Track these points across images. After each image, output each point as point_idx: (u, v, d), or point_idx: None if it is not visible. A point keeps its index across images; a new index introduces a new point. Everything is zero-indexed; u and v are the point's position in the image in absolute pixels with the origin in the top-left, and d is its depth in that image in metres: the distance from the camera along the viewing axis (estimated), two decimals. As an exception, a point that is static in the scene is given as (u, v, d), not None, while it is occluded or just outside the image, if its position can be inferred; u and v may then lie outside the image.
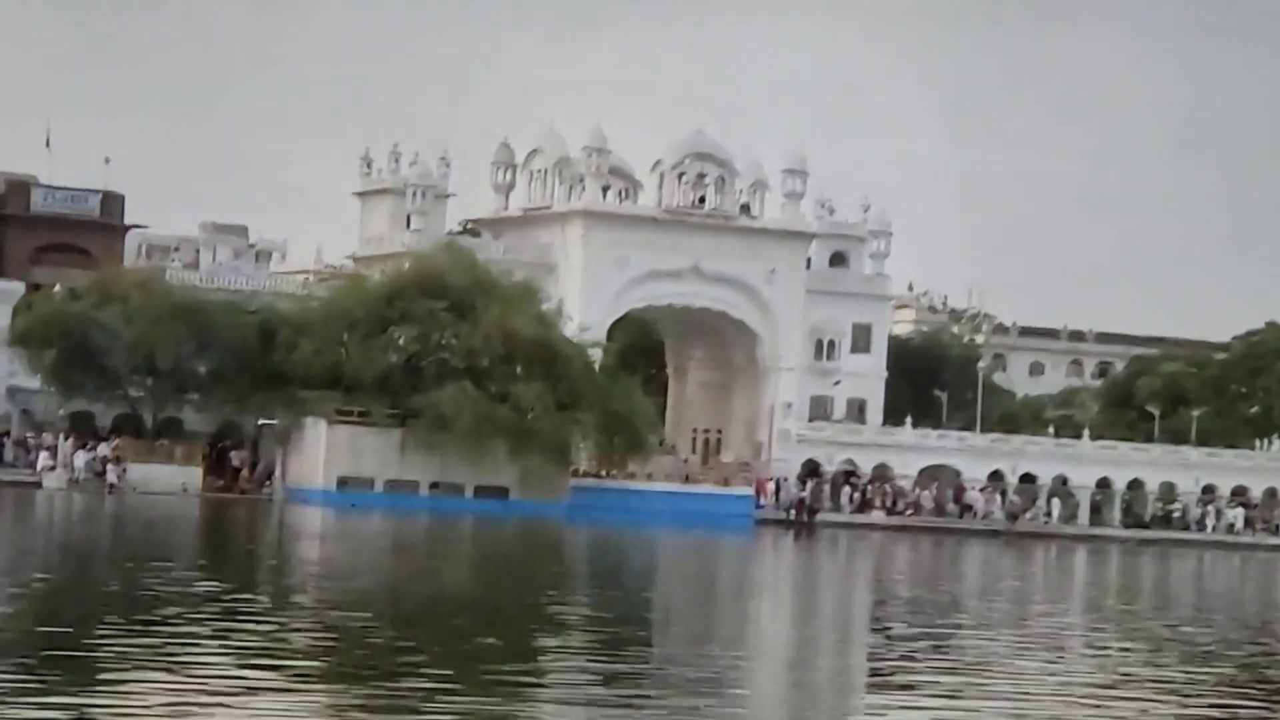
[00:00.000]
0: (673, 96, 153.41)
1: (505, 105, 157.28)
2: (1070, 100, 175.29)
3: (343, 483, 76.88)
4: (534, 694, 19.39)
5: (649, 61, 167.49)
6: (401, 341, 79.42)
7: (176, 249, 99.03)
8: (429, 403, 76.49)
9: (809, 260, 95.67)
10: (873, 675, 23.76)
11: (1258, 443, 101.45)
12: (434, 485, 77.50)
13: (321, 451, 77.00)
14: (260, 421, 79.82)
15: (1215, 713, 20.96)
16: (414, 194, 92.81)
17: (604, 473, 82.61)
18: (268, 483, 78.44)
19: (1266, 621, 39.97)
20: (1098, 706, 20.73)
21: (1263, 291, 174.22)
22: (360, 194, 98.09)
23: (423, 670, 20.42)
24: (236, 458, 79.54)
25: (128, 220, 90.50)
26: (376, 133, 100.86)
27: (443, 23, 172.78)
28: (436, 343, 79.26)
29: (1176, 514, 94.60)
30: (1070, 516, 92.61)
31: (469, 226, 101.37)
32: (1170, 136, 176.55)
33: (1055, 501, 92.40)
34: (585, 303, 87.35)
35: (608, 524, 68.61)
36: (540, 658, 23.26)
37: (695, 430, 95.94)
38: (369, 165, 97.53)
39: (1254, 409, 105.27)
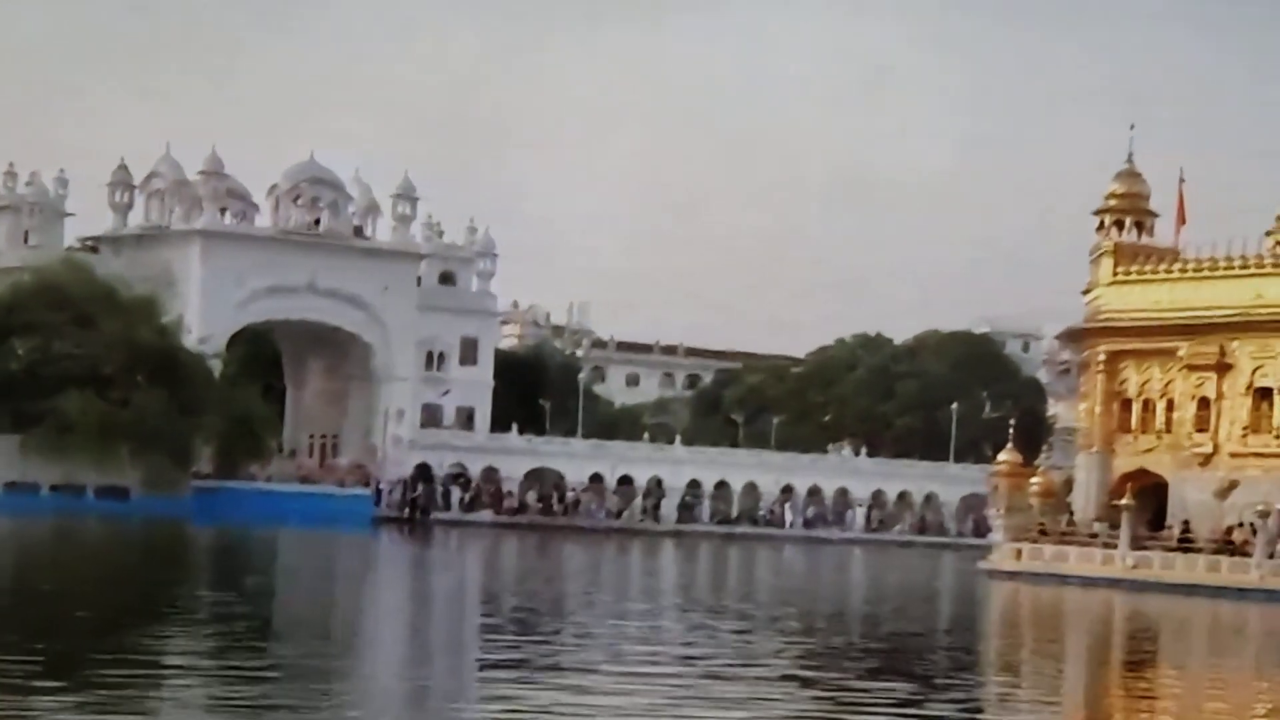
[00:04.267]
0: (287, 122, 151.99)
1: (124, 127, 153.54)
2: (671, 122, 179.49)
3: (-41, 485, 74.50)
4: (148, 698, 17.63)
5: (264, 86, 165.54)
6: (21, 351, 77.76)
7: None
8: (51, 408, 74.96)
9: (419, 278, 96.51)
10: (481, 665, 23.15)
11: (830, 447, 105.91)
12: (54, 487, 75.64)
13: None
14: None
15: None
16: (30, 211, 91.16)
17: (225, 474, 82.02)
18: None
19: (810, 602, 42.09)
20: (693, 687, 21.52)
21: (835, 314, 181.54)
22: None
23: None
24: None
25: None
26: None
27: (64, 49, 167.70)
28: (58, 352, 77.70)
29: (761, 512, 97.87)
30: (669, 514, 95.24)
31: (87, 244, 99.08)
32: (726, 177, 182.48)
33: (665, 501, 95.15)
34: (205, 317, 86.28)
35: (229, 522, 68.01)
36: (156, 655, 21.60)
37: (313, 435, 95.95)
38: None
39: (827, 417, 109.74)
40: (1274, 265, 56.25)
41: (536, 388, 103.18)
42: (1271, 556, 51.19)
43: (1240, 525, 53.67)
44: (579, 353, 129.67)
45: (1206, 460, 56.44)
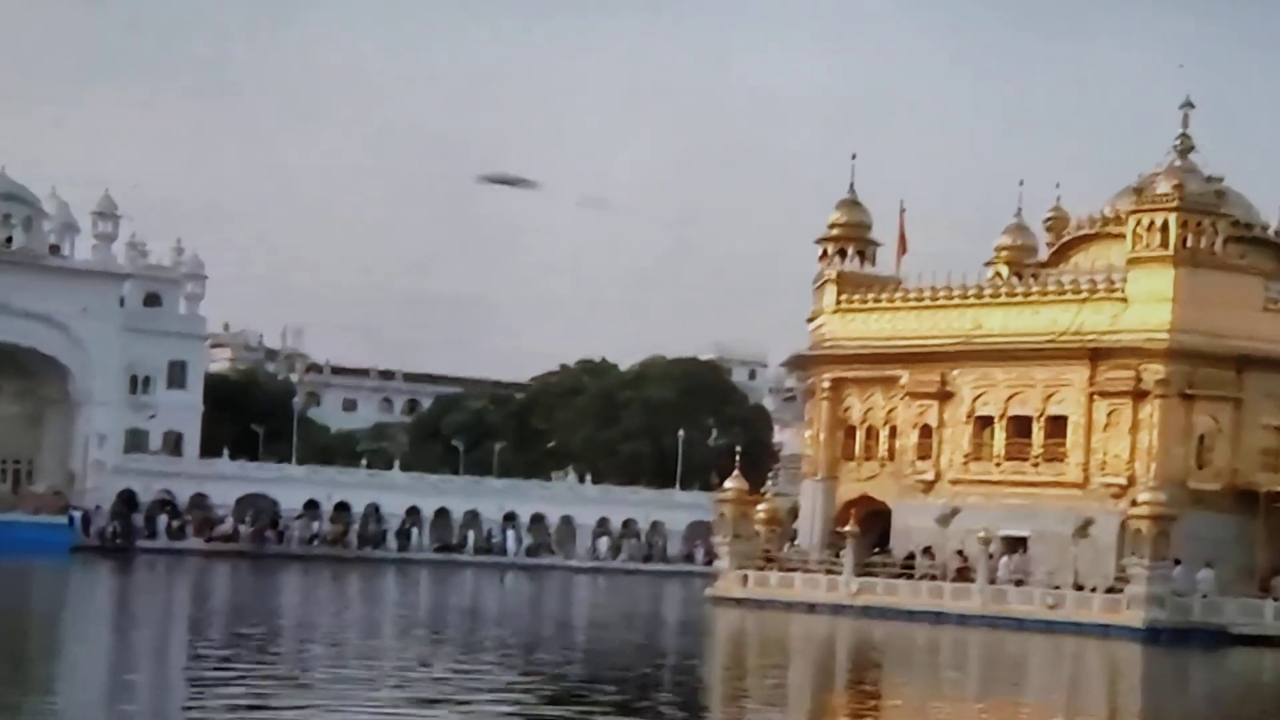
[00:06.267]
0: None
1: None
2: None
3: None
4: None
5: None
6: None
7: None
8: None
9: (123, 299, 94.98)
10: (186, 707, 22.98)
11: (555, 473, 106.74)
12: None
13: None
14: None
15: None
16: None
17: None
18: None
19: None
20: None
21: (555, 337, 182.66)
22: None
23: None
24: None
25: None
26: None
27: None
28: None
29: (483, 539, 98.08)
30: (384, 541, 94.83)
31: None
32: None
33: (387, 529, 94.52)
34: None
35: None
36: None
37: (5, 461, 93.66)
38: None
39: (551, 443, 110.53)
40: (993, 295, 58.56)
41: (249, 412, 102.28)
42: (993, 582, 53.24)
43: (959, 553, 55.66)
44: (294, 377, 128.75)
45: (929, 487, 58.41)
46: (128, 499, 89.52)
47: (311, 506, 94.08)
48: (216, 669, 26.41)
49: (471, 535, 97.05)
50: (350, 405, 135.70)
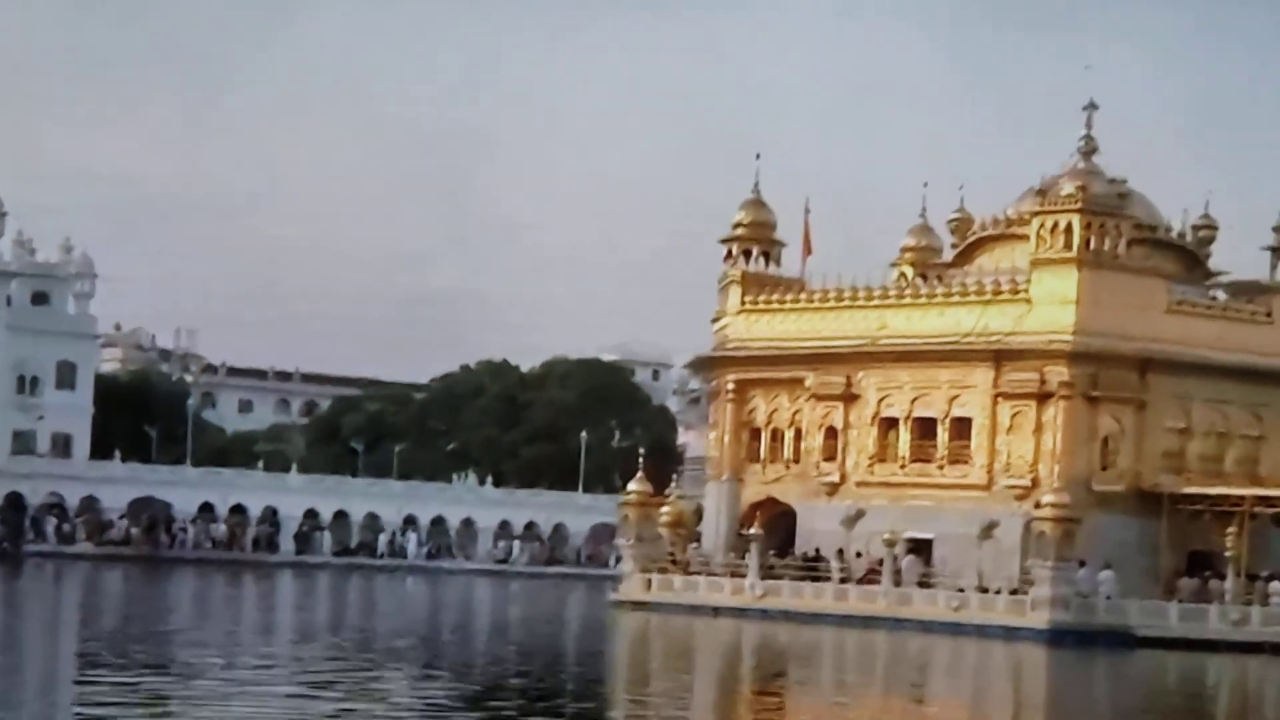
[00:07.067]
0: None
1: None
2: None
3: None
4: None
5: None
6: None
7: None
8: None
9: (9, 298, 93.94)
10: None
11: (455, 476, 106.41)
12: None
13: None
14: None
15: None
16: None
17: None
18: None
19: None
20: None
21: (455, 339, 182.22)
22: None
23: None
24: None
25: None
26: None
27: None
28: None
29: (383, 542, 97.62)
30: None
31: None
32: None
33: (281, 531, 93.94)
34: None
35: None
36: None
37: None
38: None
39: (452, 445, 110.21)
40: (898, 297, 58.94)
41: (142, 414, 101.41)
42: (898, 585, 53.59)
43: (860, 555, 55.98)
44: (188, 378, 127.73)
45: (834, 490, 58.73)
46: (15, 502, 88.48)
47: (206, 510, 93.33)
48: (102, 681, 26.09)
49: (371, 538, 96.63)
50: (246, 406, 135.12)
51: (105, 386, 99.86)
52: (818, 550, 57.26)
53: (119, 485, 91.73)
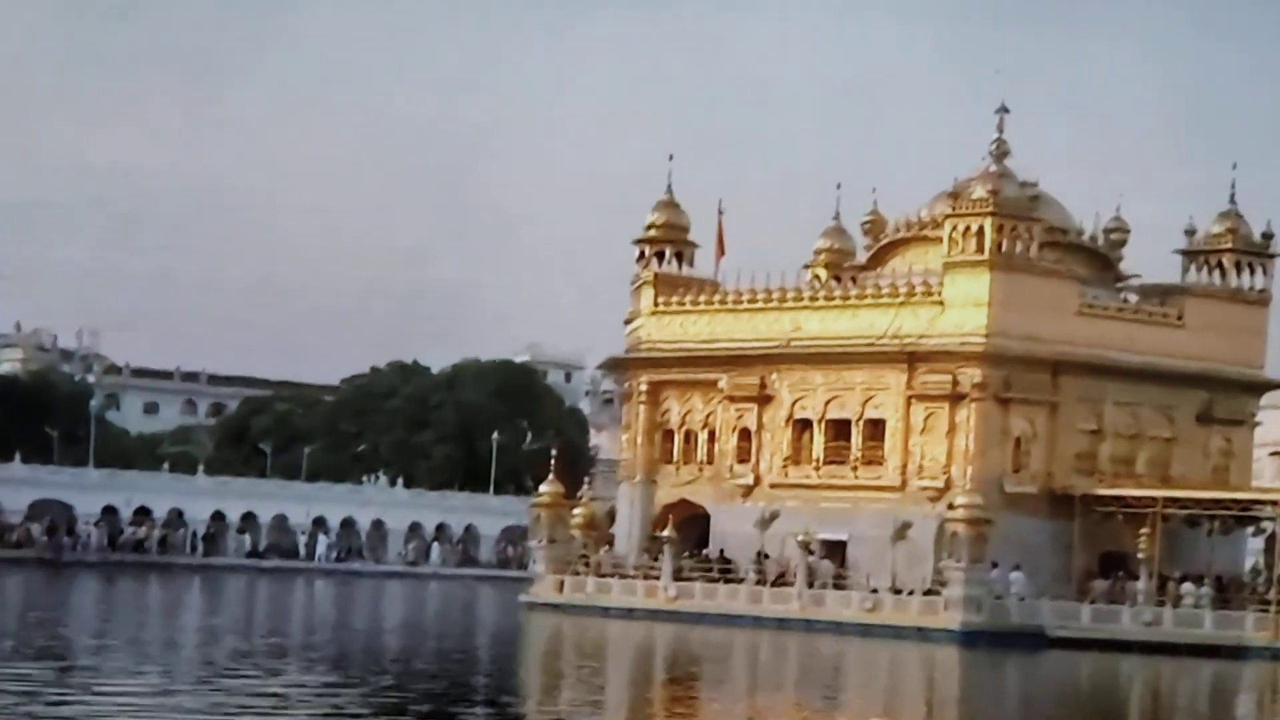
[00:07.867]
0: None
1: None
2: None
3: None
4: None
5: None
6: None
7: None
8: None
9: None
10: None
11: (365, 477, 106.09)
12: None
13: None
14: None
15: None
16: None
17: None
18: None
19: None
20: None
21: (376, 341, 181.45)
22: None
23: None
24: None
25: None
26: None
27: None
28: None
29: (291, 544, 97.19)
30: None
31: None
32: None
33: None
34: None
35: None
36: None
37: None
38: None
39: (361, 447, 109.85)
40: (811, 298, 59.33)
41: (42, 414, 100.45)
42: (811, 586, 53.96)
43: (767, 556, 56.28)
44: (90, 378, 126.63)
45: (748, 491, 59.04)
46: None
47: (110, 512, 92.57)
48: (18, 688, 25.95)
49: (279, 540, 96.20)
50: (152, 408, 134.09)
51: (5, 387, 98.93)
52: (722, 551, 57.64)
53: (19, 487, 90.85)
